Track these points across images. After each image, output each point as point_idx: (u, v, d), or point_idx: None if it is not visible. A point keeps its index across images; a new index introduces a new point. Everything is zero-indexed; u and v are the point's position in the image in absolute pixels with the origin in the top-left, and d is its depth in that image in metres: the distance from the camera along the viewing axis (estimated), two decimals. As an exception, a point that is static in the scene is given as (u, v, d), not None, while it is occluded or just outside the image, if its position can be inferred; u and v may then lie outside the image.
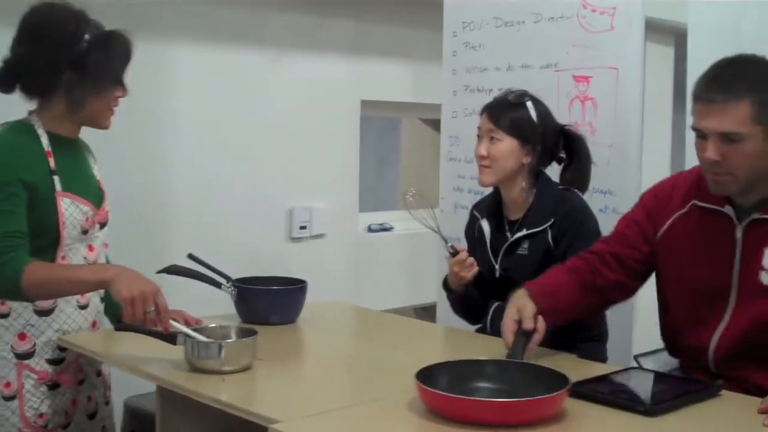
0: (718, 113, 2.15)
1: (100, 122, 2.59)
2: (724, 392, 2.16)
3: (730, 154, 2.16)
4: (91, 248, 2.60)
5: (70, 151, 2.60)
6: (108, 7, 3.34)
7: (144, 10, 3.56)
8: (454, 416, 1.88)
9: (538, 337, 2.31)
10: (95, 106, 2.54)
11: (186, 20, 3.73)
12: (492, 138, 2.81)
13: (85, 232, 2.56)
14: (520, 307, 2.35)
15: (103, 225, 2.65)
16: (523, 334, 2.28)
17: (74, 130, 2.61)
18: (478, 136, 2.86)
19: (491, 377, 2.08)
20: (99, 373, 2.69)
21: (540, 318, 2.33)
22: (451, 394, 1.90)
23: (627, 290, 2.54)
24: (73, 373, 2.59)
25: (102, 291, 2.66)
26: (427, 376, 1.98)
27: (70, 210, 2.50)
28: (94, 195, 2.63)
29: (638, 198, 2.60)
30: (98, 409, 2.68)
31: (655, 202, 2.49)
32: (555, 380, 1.97)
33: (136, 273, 2.43)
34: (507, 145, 2.80)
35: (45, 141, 2.51)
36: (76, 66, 2.46)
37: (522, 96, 2.85)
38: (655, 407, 1.99)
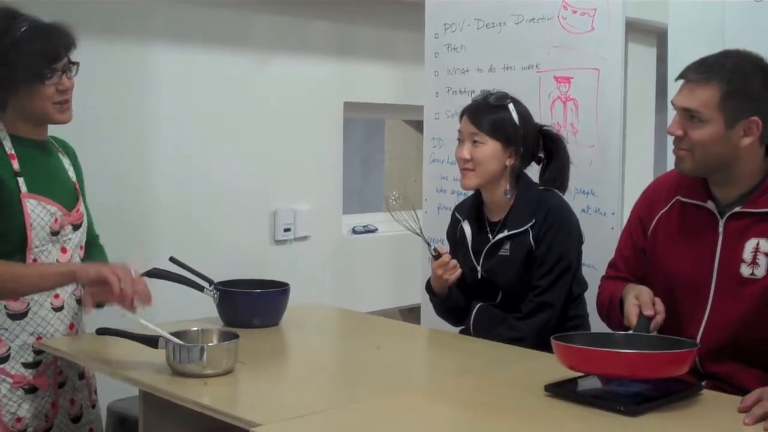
0: (688, 91, 2.27)
1: (49, 118, 2.55)
2: (705, 391, 2.17)
3: (689, 132, 2.27)
4: (64, 250, 2.58)
5: (37, 152, 2.59)
6: (91, 9, 3.36)
7: (128, 11, 3.55)
8: (594, 370, 2.12)
9: (660, 318, 2.30)
10: (32, 104, 2.50)
11: (170, 22, 3.72)
12: (475, 141, 2.81)
13: (55, 233, 2.54)
14: (637, 293, 2.36)
15: (76, 227, 2.63)
16: (645, 316, 2.29)
17: (35, 130, 2.58)
18: (459, 139, 2.86)
19: (622, 346, 2.20)
20: (82, 376, 2.68)
21: (658, 300, 2.33)
22: (593, 348, 2.12)
23: None
24: (52, 376, 2.57)
25: (78, 293, 2.64)
26: (565, 339, 2.19)
27: (37, 211, 2.49)
28: (66, 196, 2.61)
29: (628, 198, 2.65)
30: (83, 413, 2.66)
31: (642, 209, 2.55)
32: (683, 345, 2.17)
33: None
34: (490, 148, 2.81)
35: (7, 144, 2.51)
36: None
37: (503, 98, 2.85)
38: (635, 407, 2.00)
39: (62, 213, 2.56)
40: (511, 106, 2.84)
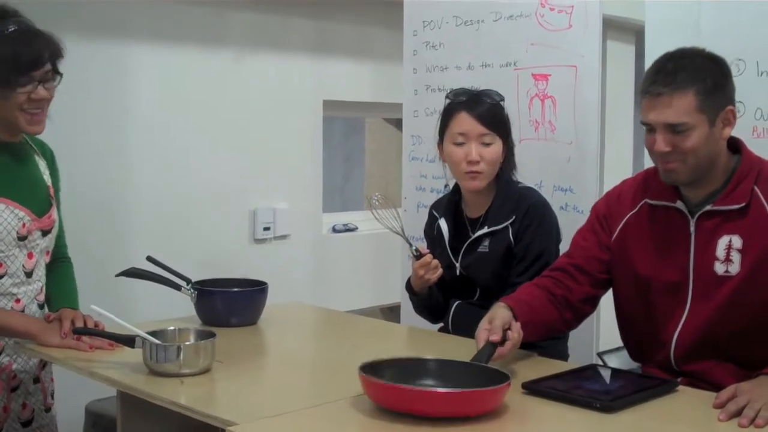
0: (665, 105, 2.23)
1: (17, 126, 2.45)
2: (680, 388, 2.18)
3: (678, 144, 2.24)
4: (30, 255, 2.52)
5: (10, 154, 2.51)
6: (70, 8, 3.34)
7: (105, 10, 3.54)
8: (396, 407, 1.91)
9: (509, 344, 2.25)
10: (1, 107, 2.41)
11: (147, 20, 3.70)
12: (485, 142, 2.79)
13: (22, 238, 2.48)
14: (492, 317, 2.32)
15: (46, 232, 2.56)
16: (492, 343, 2.24)
17: (8, 132, 2.49)
18: (462, 143, 2.79)
19: (435, 374, 2.10)
20: (37, 380, 2.61)
21: (516, 325, 2.29)
22: (393, 384, 1.93)
23: (593, 301, 2.56)
24: (6, 380, 2.52)
25: (41, 298, 2.60)
26: (372, 370, 2.00)
27: (4, 215, 2.43)
28: (37, 202, 2.54)
29: (592, 209, 2.63)
30: (34, 417, 2.60)
31: (606, 209, 2.53)
32: (497, 377, 1.99)
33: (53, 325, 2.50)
34: (498, 148, 2.80)
35: None
36: None
37: (497, 95, 2.86)
38: (611, 403, 2.01)
39: (31, 219, 2.50)
40: (502, 103, 2.85)
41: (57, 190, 2.67)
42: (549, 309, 2.47)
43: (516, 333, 2.28)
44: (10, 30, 2.37)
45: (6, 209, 2.44)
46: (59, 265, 2.72)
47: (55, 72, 2.45)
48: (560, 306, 2.49)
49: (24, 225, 2.48)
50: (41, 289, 2.60)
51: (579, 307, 2.52)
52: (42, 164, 2.63)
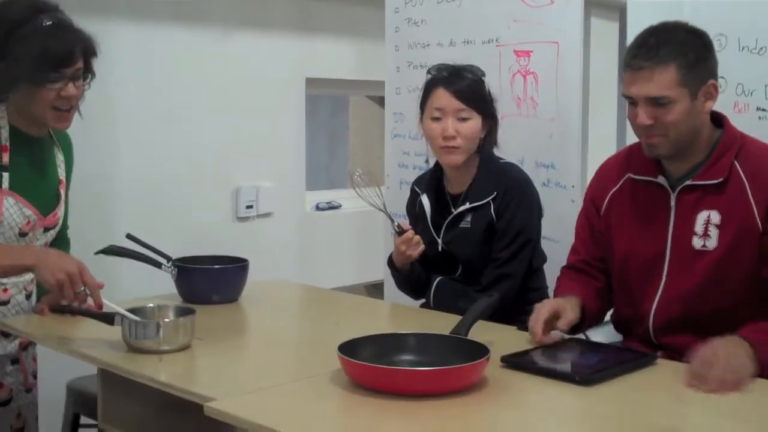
0: (646, 79, 2.23)
1: (45, 120, 2.43)
2: (659, 361, 2.19)
3: (660, 117, 2.25)
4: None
5: (31, 148, 2.50)
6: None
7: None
8: (375, 386, 1.90)
9: (562, 322, 2.32)
10: (30, 104, 2.39)
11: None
12: (461, 117, 2.78)
13: (23, 234, 2.47)
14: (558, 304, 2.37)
15: (48, 229, 2.56)
16: (473, 312, 2.24)
17: (35, 127, 2.48)
18: (438, 117, 2.79)
19: (414, 350, 2.10)
20: (15, 361, 2.59)
21: (570, 310, 2.35)
22: (370, 364, 1.93)
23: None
24: None
25: (30, 288, 2.59)
26: (351, 348, 2.00)
27: (11, 211, 2.42)
28: (47, 201, 2.53)
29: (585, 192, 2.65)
30: (12, 397, 2.59)
31: (592, 192, 2.56)
32: (476, 351, 1.99)
33: (58, 253, 2.39)
34: (476, 123, 2.79)
35: (4, 134, 2.43)
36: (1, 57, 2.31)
37: (479, 71, 2.85)
38: (590, 377, 2.01)
39: (37, 218, 2.49)
40: (485, 79, 2.84)
41: (68, 179, 2.67)
42: (594, 299, 2.50)
43: (565, 320, 2.33)
44: (44, 24, 2.33)
45: (15, 205, 2.44)
46: (56, 244, 2.69)
47: (87, 70, 2.44)
48: (601, 295, 2.52)
49: (29, 223, 2.47)
50: (31, 280, 2.58)
51: (608, 297, 2.55)
52: (59, 157, 2.62)
